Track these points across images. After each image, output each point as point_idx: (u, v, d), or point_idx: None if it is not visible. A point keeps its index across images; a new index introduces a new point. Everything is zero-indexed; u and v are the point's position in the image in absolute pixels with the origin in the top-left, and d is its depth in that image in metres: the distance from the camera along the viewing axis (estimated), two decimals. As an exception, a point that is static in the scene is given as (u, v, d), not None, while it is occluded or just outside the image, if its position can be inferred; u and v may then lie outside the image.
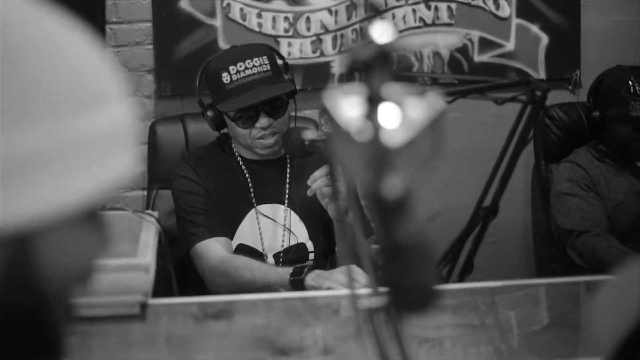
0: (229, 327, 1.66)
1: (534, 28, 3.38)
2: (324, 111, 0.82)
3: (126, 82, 0.75)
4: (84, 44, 0.73)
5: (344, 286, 2.01)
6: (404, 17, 3.26)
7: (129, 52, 3.17)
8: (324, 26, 3.23)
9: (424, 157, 0.79)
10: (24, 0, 0.71)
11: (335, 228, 2.37)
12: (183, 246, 2.42)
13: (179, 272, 2.34)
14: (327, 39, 3.25)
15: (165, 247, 2.08)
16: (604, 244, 2.84)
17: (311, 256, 2.50)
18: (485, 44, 3.36)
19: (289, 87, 2.43)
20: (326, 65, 3.26)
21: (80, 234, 0.73)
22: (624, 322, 0.83)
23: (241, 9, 3.18)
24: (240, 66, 2.37)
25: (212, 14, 3.17)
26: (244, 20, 3.19)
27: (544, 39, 3.38)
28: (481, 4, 3.34)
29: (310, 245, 2.51)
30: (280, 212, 2.51)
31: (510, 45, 3.37)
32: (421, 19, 3.29)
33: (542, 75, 3.37)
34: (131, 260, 1.73)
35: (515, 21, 3.37)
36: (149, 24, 3.18)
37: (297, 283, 2.12)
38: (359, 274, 1.75)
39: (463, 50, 3.34)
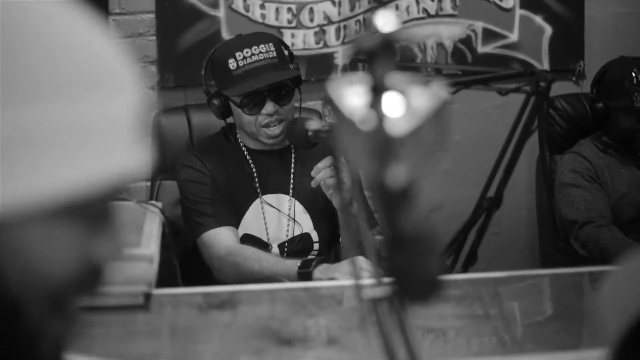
0: (233, 318, 1.66)
1: (538, 19, 3.37)
2: (328, 101, 0.82)
3: (138, 73, 0.73)
4: (99, 34, 0.72)
5: (351, 278, 2.02)
6: (407, 8, 3.25)
7: (132, 43, 3.17)
8: (327, 17, 3.22)
9: (428, 147, 0.79)
10: None
11: (340, 218, 2.38)
12: (189, 236, 2.42)
13: (183, 263, 2.34)
14: (331, 30, 3.24)
15: (169, 238, 2.08)
16: (607, 235, 2.84)
17: (316, 246, 2.51)
18: (489, 35, 3.35)
19: (295, 74, 2.43)
20: (330, 56, 3.25)
21: (82, 229, 0.69)
22: (629, 313, 0.84)
23: (244, 0, 3.18)
24: (247, 52, 2.39)
25: (215, 5, 3.17)
26: (247, 11, 3.18)
27: (548, 30, 3.38)
28: (485, -5, 3.33)
29: (314, 235, 2.51)
30: (285, 202, 2.51)
31: (514, 36, 3.36)
32: (425, 10, 3.28)
33: (545, 66, 3.36)
34: (135, 250, 1.73)
35: (519, 12, 3.35)
36: (152, 15, 3.18)
37: (304, 275, 2.12)
38: (366, 265, 1.75)
39: (466, 41, 3.34)
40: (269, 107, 2.38)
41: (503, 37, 3.35)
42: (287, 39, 3.17)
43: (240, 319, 1.66)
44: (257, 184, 2.50)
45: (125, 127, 0.70)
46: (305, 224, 2.51)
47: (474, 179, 2.10)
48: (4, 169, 0.63)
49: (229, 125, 2.55)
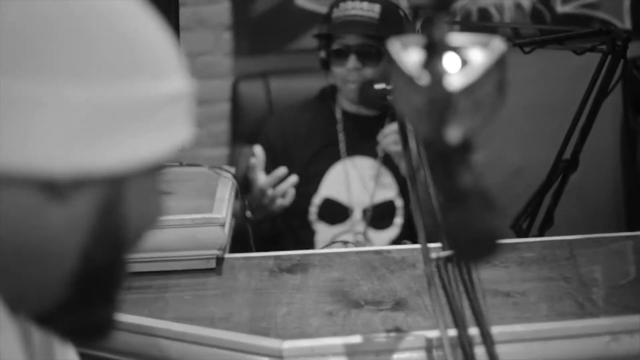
0: (304, 280, 1.66)
1: (619, -24, 3.28)
2: (388, 59, 0.82)
3: (185, 60, 0.81)
4: (153, 22, 0.78)
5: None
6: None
7: (205, 10, 3.18)
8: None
9: (485, 103, 0.78)
10: None
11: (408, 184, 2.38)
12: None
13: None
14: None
15: (241, 203, 2.10)
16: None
17: (399, 213, 2.51)
18: (569, -6, 3.27)
19: (382, 34, 2.42)
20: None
21: (151, 187, 0.79)
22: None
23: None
24: (349, 5, 2.43)
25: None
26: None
27: (630, -11, 3.29)
28: (565, -48, 3.25)
29: (399, 202, 2.51)
30: (370, 166, 2.52)
31: (594, -5, 3.28)
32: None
33: (627, 25, 3.27)
34: (207, 215, 1.74)
35: (599, -31, 3.28)
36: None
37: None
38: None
39: (545, 1, 3.27)
40: (351, 62, 2.42)
41: (583, -4, 3.28)
42: None
43: (310, 282, 1.66)
44: (344, 147, 2.51)
45: (178, 105, 0.78)
46: (390, 190, 2.51)
47: (556, 142, 2.06)
48: (111, 137, 0.72)
49: (330, 86, 2.57)
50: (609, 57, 1.84)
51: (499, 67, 0.79)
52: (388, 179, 2.52)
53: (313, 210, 2.51)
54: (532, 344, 1.39)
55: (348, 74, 2.44)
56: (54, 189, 0.71)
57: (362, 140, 2.52)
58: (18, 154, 0.68)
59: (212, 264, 1.73)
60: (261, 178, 2.34)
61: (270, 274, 1.70)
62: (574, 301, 1.55)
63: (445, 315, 1.25)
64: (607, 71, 1.86)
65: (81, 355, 0.93)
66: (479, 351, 1.18)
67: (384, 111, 2.35)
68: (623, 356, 1.41)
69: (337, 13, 2.47)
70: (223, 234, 1.74)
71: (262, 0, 3.16)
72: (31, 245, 0.73)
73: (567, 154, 2.04)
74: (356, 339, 1.38)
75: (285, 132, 2.56)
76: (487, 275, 1.63)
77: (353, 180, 2.51)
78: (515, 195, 2.21)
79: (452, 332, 1.23)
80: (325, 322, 1.47)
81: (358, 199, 2.50)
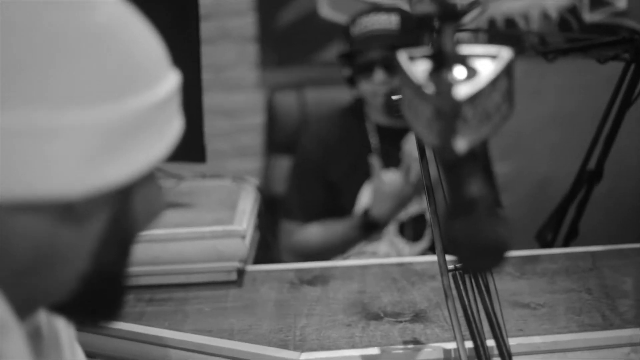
0: (324, 292, 1.66)
1: (648, -15, 3.26)
2: (398, 69, 0.82)
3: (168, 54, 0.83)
4: (144, 26, 0.80)
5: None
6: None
7: (230, 23, 3.20)
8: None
9: (492, 111, 0.78)
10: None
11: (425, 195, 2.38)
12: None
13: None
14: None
15: (264, 214, 2.09)
16: None
17: (428, 224, 2.50)
18: (597, 3, 3.25)
19: (404, 43, 2.43)
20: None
21: (153, 184, 0.83)
22: None
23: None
24: (368, 20, 2.43)
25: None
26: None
27: (659, -4, 3.26)
28: (592, -39, 3.23)
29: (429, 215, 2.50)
30: None
31: (622, 3, 3.25)
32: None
33: (656, 34, 3.24)
34: (228, 227, 1.74)
35: (628, -22, 3.25)
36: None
37: (368, 220, 2.21)
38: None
39: (573, 10, 3.25)
40: (378, 76, 2.41)
41: (611, 4, 3.25)
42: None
43: (331, 294, 1.65)
44: (378, 160, 2.51)
45: (170, 104, 0.81)
46: (422, 202, 2.50)
47: (582, 152, 2.04)
48: (121, 151, 0.75)
49: (359, 99, 2.56)
50: (633, 65, 1.82)
51: (507, 77, 0.79)
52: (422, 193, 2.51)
53: None
54: (551, 356, 1.38)
55: (376, 88, 2.43)
56: (71, 209, 0.73)
57: (396, 153, 2.51)
58: (37, 182, 0.70)
59: (233, 276, 1.73)
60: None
61: (290, 286, 1.70)
62: (595, 313, 1.53)
63: (462, 327, 1.24)
64: (630, 80, 1.84)
65: (88, 355, 0.95)
66: (496, 363, 1.17)
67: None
68: (644, 368, 1.39)
69: (357, 30, 2.46)
70: (244, 246, 1.74)
71: (287, 12, 3.16)
72: (45, 257, 0.75)
73: (592, 164, 2.02)
74: (374, 350, 1.38)
75: (321, 144, 2.56)
76: (508, 286, 1.62)
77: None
78: (541, 205, 2.19)
79: (469, 344, 1.22)
80: (343, 334, 1.47)
81: None
